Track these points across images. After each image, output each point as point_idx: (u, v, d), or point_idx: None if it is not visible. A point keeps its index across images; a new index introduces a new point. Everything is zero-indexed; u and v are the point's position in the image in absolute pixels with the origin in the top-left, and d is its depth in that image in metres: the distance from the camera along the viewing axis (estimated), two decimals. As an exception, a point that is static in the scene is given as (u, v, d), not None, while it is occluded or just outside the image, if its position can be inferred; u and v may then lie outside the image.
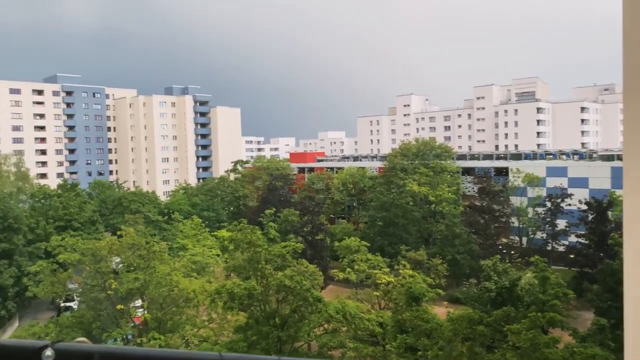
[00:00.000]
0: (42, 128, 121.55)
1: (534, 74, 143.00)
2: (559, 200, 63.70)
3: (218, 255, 56.67)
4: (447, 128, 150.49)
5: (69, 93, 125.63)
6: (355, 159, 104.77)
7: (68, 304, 51.34)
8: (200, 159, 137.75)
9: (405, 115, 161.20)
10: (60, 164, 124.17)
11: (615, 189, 62.07)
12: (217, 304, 30.75)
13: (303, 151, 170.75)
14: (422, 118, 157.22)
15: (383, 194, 70.20)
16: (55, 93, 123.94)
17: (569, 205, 62.56)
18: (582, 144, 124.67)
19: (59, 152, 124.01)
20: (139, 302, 36.19)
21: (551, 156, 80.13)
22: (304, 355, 33.13)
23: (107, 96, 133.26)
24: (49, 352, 1.41)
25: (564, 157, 78.01)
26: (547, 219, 64.48)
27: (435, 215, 68.87)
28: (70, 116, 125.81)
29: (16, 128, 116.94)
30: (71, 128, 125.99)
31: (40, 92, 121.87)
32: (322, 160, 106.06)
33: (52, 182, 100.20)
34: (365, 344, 32.57)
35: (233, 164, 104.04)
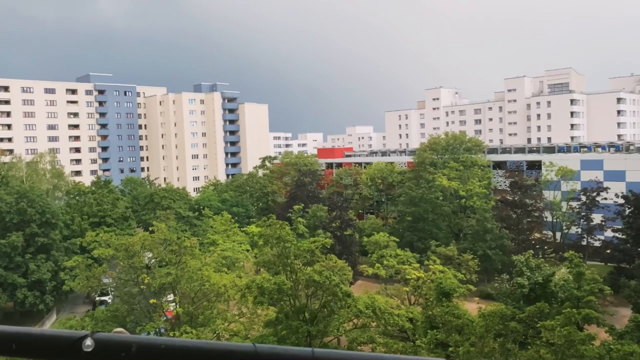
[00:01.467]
0: (76, 126, 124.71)
1: (568, 65, 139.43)
2: (594, 194, 62.06)
3: (248, 250, 57.16)
4: (478, 121, 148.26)
5: (101, 92, 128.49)
6: (384, 154, 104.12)
7: (103, 297, 52.62)
8: (229, 155, 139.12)
9: (434, 109, 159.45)
10: (94, 161, 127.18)
11: (653, 182, 60.24)
12: (247, 299, 31.03)
13: (331, 147, 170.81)
14: (452, 112, 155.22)
15: (412, 189, 69.60)
16: (88, 92, 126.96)
17: (605, 199, 60.90)
18: (619, 135, 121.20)
19: (92, 150, 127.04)
20: (171, 297, 36.81)
21: (586, 149, 78.08)
22: (334, 350, 33.15)
23: (137, 94, 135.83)
24: (88, 341, 1.44)
25: (600, 149, 75.91)
26: (582, 214, 62.92)
27: (465, 210, 67.95)
28: (102, 114, 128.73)
29: (51, 127, 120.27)
30: (104, 126, 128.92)
31: (74, 92, 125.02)
32: (350, 156, 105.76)
33: (86, 179, 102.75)
34: (395, 339, 32.41)
35: (261, 160, 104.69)
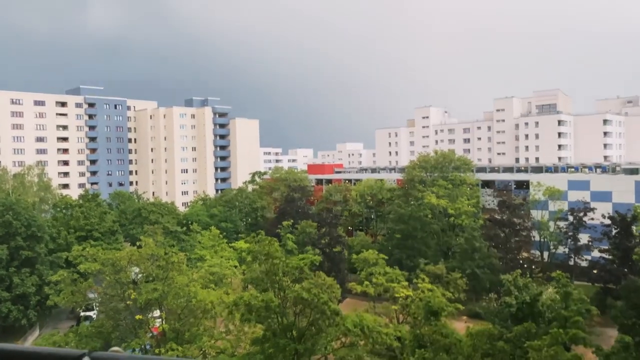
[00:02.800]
0: (65, 139, 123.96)
1: (556, 87, 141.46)
2: (581, 214, 62.61)
3: (236, 266, 56.76)
4: (467, 140, 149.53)
5: (91, 105, 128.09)
6: (374, 170, 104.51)
7: (87, 313, 51.83)
8: (219, 170, 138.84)
9: (423, 127, 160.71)
10: (82, 174, 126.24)
11: (639, 202, 60.88)
12: (234, 316, 30.70)
13: (321, 163, 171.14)
14: (441, 130, 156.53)
15: (401, 206, 69.80)
16: (78, 105, 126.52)
17: (592, 219, 61.45)
18: (605, 157, 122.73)
19: (80, 162, 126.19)
20: (157, 313, 36.35)
21: (573, 169, 78.94)
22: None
23: (128, 108, 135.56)
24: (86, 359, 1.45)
25: (587, 170, 76.82)
26: (569, 233, 63.38)
27: (454, 229, 68.18)
28: (92, 127, 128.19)
29: (40, 139, 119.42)
30: (93, 139, 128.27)
31: (63, 104, 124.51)
32: (340, 172, 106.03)
33: (74, 192, 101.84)
34: (383, 358, 32.19)
35: (251, 175, 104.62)
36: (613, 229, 56.15)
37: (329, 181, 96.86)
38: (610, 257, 55.49)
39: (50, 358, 1.51)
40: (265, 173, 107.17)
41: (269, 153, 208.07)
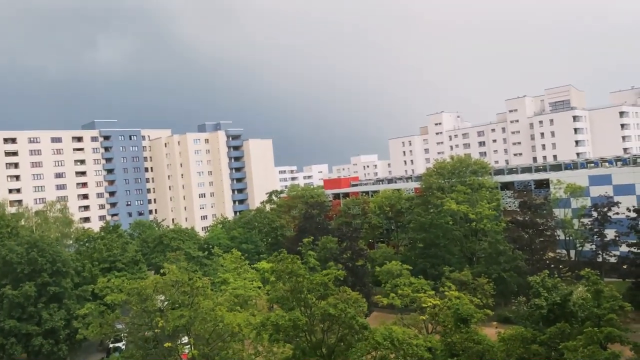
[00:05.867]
0: (83, 173, 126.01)
1: (568, 82, 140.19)
2: (605, 209, 61.50)
3: (259, 287, 56.73)
4: (482, 143, 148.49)
5: (106, 138, 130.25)
6: (390, 181, 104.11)
7: (117, 344, 52.01)
8: (235, 192, 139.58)
9: (437, 133, 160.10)
10: (102, 206, 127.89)
11: (664, 193, 59.71)
12: (262, 337, 30.57)
13: (336, 177, 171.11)
14: (455, 135, 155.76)
15: (421, 214, 69.25)
16: (94, 139, 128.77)
17: (617, 214, 60.31)
18: (625, 149, 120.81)
19: (100, 195, 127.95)
20: (185, 339, 36.36)
21: (593, 164, 77.79)
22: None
23: (143, 137, 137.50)
24: None
25: (607, 164, 75.61)
26: (595, 230, 62.24)
27: (477, 233, 67.37)
28: (109, 160, 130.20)
29: (59, 175, 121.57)
30: (110, 171, 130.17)
31: (79, 139, 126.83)
32: (356, 185, 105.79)
33: (95, 225, 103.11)
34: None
35: (268, 194, 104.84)
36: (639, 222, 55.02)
37: (346, 195, 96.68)
38: (639, 251, 54.28)
39: None
40: (281, 192, 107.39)
41: (284, 171, 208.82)
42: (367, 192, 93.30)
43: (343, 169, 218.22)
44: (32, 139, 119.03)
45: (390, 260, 56.87)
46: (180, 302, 35.57)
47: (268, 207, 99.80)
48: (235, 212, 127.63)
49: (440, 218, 66.07)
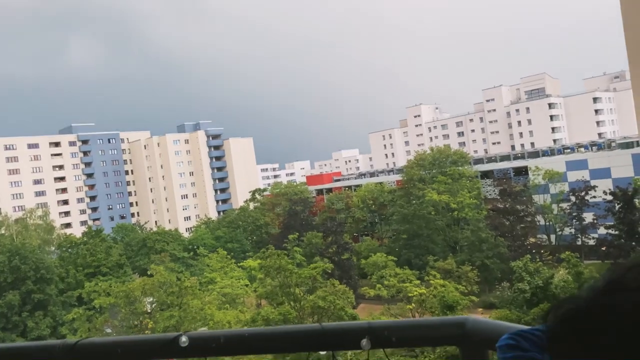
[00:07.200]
0: (62, 179, 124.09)
1: (541, 70, 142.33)
2: (582, 194, 62.92)
3: (247, 285, 56.87)
4: (461, 134, 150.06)
5: (84, 142, 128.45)
6: (372, 175, 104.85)
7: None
8: (218, 191, 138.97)
9: (416, 125, 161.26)
10: (83, 211, 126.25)
11: (638, 175, 61.22)
12: (253, 333, 30.79)
13: (319, 173, 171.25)
14: (434, 127, 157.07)
15: (403, 206, 70.06)
16: (72, 143, 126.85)
17: (594, 197, 61.71)
18: (599, 134, 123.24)
19: (80, 200, 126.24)
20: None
21: (569, 150, 79.39)
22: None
23: (122, 140, 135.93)
24: (184, 338, 1.70)
25: (582, 149, 77.25)
26: (573, 214, 63.66)
27: (459, 222, 68.39)
28: (88, 164, 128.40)
29: (37, 181, 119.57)
30: (90, 175, 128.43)
31: (57, 144, 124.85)
32: (339, 180, 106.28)
33: (77, 231, 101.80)
34: (406, 357, 32.25)
35: (251, 193, 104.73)
36: (616, 204, 56.43)
37: (329, 190, 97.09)
38: (616, 232, 55.73)
39: (152, 341, 1.76)
40: (265, 190, 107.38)
41: (266, 169, 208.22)
42: (349, 187, 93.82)
43: (325, 165, 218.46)
44: (8, 146, 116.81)
45: (375, 253, 57.50)
46: (169, 302, 35.63)
47: (252, 205, 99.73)
48: (218, 212, 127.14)
49: (422, 209, 66.94)
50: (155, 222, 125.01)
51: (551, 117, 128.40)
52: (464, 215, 66.07)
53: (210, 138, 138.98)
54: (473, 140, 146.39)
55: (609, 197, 57.66)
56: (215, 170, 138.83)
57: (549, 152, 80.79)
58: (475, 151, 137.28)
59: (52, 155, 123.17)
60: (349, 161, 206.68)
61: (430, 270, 48.80)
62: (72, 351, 1.72)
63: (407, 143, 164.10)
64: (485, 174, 78.91)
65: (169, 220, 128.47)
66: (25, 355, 1.93)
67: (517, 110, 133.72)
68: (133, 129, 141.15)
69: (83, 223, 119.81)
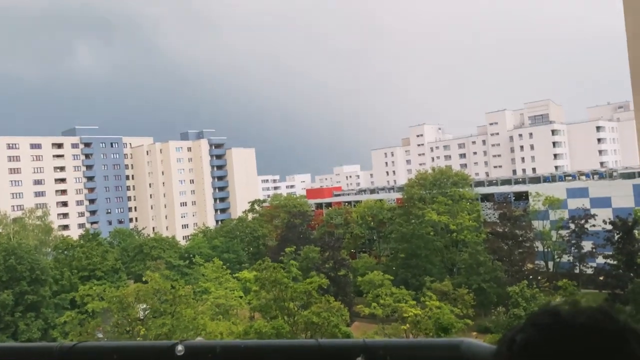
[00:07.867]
0: (63, 180, 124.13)
1: (546, 97, 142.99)
2: (582, 222, 62.75)
3: (241, 297, 56.51)
4: (462, 156, 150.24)
5: (87, 144, 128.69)
6: (372, 191, 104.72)
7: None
8: (217, 201, 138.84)
9: (419, 145, 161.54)
10: (82, 214, 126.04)
11: (639, 206, 61.13)
12: (244, 345, 30.52)
13: (319, 187, 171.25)
14: (437, 147, 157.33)
15: (403, 225, 69.85)
16: (74, 145, 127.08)
17: (593, 226, 61.51)
18: (601, 163, 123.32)
19: (79, 202, 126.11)
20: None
21: (570, 177, 79.38)
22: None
23: (124, 145, 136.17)
24: (180, 347, 1.67)
25: (584, 177, 77.23)
26: (572, 242, 63.41)
27: (457, 244, 68.17)
28: (89, 167, 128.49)
29: (38, 182, 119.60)
30: (90, 179, 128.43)
31: (59, 146, 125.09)
32: (339, 195, 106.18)
33: (74, 233, 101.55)
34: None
35: (250, 204, 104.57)
36: (615, 234, 56.21)
37: (329, 205, 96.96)
38: (614, 262, 55.45)
39: (149, 349, 1.73)
40: (264, 201, 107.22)
41: (267, 180, 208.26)
42: (349, 202, 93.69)
43: (326, 179, 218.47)
44: (10, 145, 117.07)
45: (372, 270, 57.16)
46: (162, 310, 35.37)
47: (250, 216, 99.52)
48: (217, 221, 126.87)
49: (421, 229, 66.75)
50: (153, 228, 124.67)
51: (554, 143, 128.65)
52: (463, 237, 65.88)
53: (213, 147, 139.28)
54: (475, 163, 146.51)
55: (609, 227, 57.43)
56: (216, 180, 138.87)
57: (550, 179, 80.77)
58: (477, 174, 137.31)
59: (54, 156, 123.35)
60: (350, 177, 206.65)
61: (427, 291, 48.51)
62: (69, 354, 1.69)
63: (408, 162, 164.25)
64: (486, 197, 78.84)
65: (167, 227, 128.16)
66: (22, 356, 1.90)
67: (520, 135, 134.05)
68: (136, 135, 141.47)
69: (81, 226, 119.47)
